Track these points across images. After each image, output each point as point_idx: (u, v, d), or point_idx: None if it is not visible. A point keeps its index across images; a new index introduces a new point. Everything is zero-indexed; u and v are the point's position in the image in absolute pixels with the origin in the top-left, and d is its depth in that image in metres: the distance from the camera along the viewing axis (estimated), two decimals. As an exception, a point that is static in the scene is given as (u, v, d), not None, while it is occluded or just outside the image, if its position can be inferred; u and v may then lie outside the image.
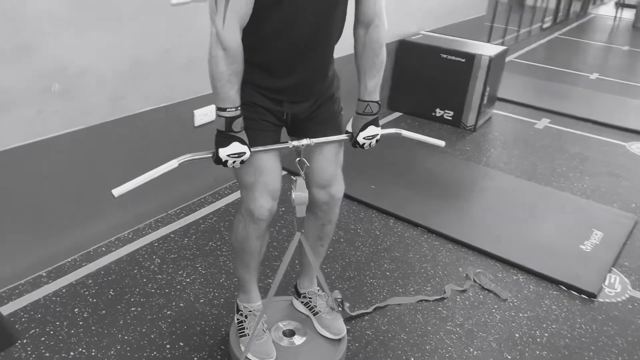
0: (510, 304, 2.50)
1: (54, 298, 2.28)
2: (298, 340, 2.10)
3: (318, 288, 2.19)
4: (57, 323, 2.15)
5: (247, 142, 1.66)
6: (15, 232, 2.31)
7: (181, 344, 2.11)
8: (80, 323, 2.16)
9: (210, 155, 1.66)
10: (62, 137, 2.33)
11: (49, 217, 2.41)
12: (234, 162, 1.65)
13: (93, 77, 2.36)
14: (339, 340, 2.10)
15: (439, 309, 2.43)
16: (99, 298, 2.31)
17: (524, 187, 3.61)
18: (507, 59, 7.02)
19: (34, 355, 2.00)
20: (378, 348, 2.18)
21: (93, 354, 2.03)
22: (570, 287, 2.63)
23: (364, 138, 1.84)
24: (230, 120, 1.61)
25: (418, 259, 2.77)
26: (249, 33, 1.58)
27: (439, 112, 4.62)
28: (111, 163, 2.56)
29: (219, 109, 1.61)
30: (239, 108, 1.62)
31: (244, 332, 2.02)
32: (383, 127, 1.88)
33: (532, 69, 6.70)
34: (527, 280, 2.67)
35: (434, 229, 3.00)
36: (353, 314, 2.32)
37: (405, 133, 2.00)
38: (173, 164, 1.64)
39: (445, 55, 4.43)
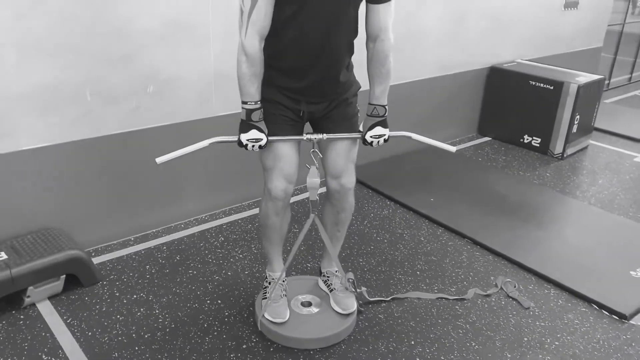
0: (531, 312, 2.57)
1: (134, 256, 2.85)
2: (313, 310, 2.42)
3: (336, 269, 2.50)
4: (131, 274, 2.71)
5: (265, 131, 2.05)
6: (116, 205, 2.93)
7: (219, 301, 2.54)
8: (147, 276, 2.70)
9: (235, 139, 2.09)
10: (155, 129, 2.92)
11: (142, 196, 3.01)
12: (253, 146, 2.05)
13: (182, 83, 2.94)
14: (348, 315, 2.38)
15: (456, 307, 2.59)
16: (167, 260, 2.83)
17: (591, 213, 3.56)
18: (633, 93, 6.74)
19: (108, 293, 2.56)
20: (385, 329, 2.42)
21: (150, 298, 2.54)
22: (602, 306, 2.62)
23: (370, 137, 2.16)
24: (250, 112, 2.02)
25: (453, 264, 2.93)
26: (270, 44, 2.00)
27: (527, 139, 4.64)
28: (195, 155, 3.09)
29: (242, 102, 2.03)
30: (258, 102, 2.02)
31: (266, 295, 2.39)
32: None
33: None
34: (558, 295, 2.70)
35: (479, 241, 3.12)
36: (371, 299, 2.57)
37: (416, 136, 2.26)
38: (205, 143, 2.09)
39: (533, 83, 4.48)
